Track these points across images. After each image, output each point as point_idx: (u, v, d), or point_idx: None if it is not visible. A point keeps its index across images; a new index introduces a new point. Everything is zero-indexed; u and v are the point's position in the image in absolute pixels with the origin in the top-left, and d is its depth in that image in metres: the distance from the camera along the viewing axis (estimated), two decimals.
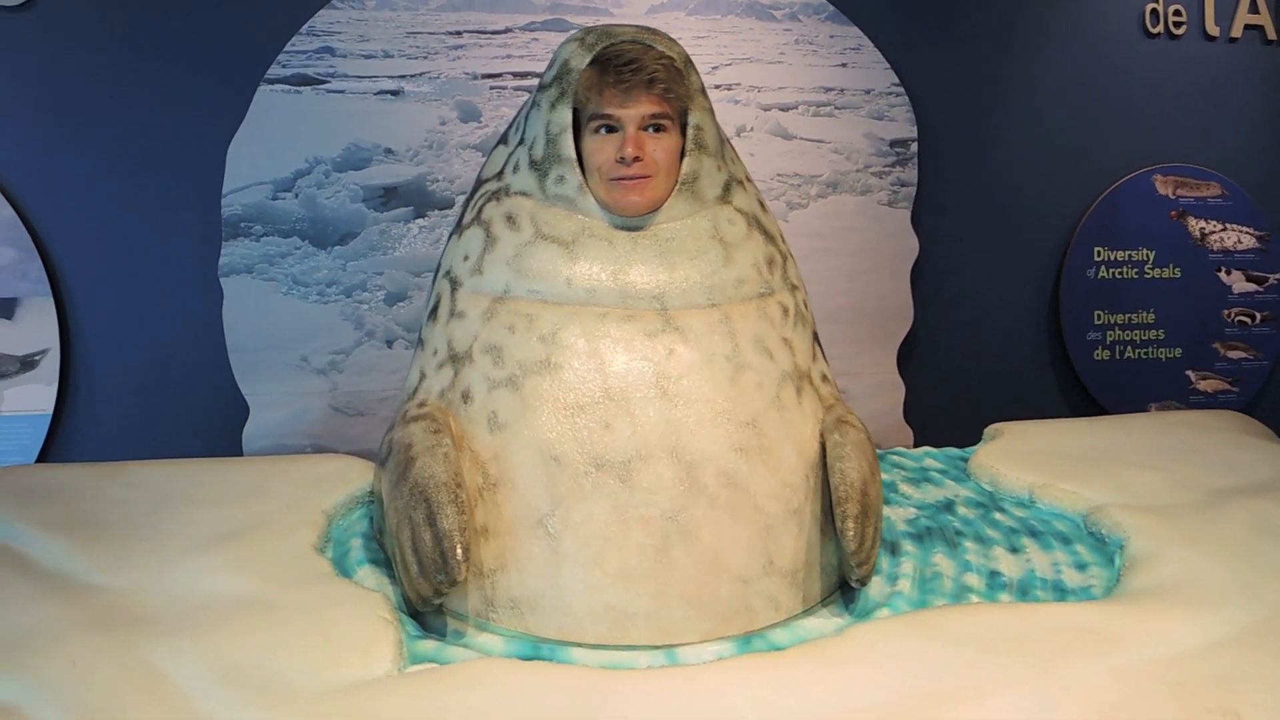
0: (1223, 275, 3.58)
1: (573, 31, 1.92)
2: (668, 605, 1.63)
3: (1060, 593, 1.83)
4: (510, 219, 1.84)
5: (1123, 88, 3.47)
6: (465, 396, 1.78)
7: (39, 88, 2.83)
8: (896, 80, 3.25)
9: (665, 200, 1.80)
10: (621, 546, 1.63)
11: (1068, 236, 3.48)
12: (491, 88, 3.03)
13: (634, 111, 1.74)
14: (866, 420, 1.96)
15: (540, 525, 1.66)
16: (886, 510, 2.10)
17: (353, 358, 2.97)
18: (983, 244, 3.42)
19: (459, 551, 1.58)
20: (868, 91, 3.24)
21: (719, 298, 1.79)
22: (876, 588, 1.82)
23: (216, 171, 2.87)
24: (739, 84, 3.17)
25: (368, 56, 2.97)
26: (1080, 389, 3.56)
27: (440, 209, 3.00)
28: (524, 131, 1.90)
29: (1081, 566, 1.92)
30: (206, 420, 2.96)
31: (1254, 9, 3.52)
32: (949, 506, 2.19)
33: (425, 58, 3.00)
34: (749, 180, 1.98)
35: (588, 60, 1.79)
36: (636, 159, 1.73)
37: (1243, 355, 3.61)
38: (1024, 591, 1.83)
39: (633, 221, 1.79)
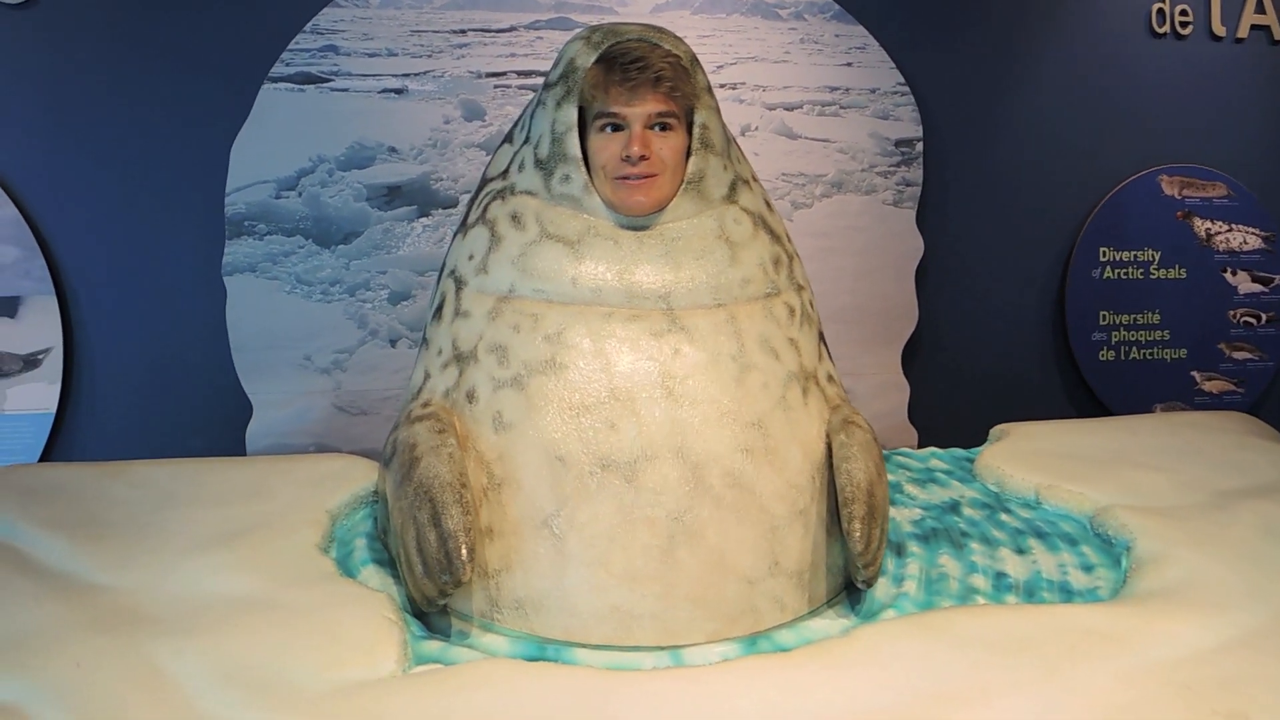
0: (1228, 276, 3.57)
1: (578, 30, 1.91)
2: (673, 606, 1.62)
3: (1067, 594, 1.82)
4: (515, 218, 1.83)
5: (1128, 87, 3.46)
6: (470, 396, 1.77)
7: (42, 86, 2.82)
8: (902, 80, 3.25)
9: (671, 199, 1.79)
10: (627, 547, 1.63)
11: (1073, 237, 3.48)
12: (496, 86, 3.02)
13: (640, 110, 1.73)
14: (871, 421, 1.95)
15: (545, 526, 1.65)
16: (892, 511, 2.08)
17: (356, 357, 2.96)
18: (988, 244, 3.41)
19: (464, 552, 1.57)
20: (873, 91, 3.23)
21: (725, 297, 1.78)
22: (882, 589, 1.81)
23: (220, 170, 2.87)
24: (744, 83, 3.16)
25: (372, 55, 2.96)
26: (1085, 389, 3.55)
27: (444, 208, 2.99)
28: (529, 130, 1.89)
29: (1088, 568, 1.91)
30: (209, 419, 2.95)
31: (1260, 9, 3.51)
32: (955, 507, 2.18)
33: (429, 56, 2.99)
34: (755, 179, 1.97)
35: (594, 58, 1.78)
36: (643, 158, 1.72)
37: (1248, 356, 3.60)
38: (1030, 593, 1.82)
39: (638, 221, 1.78)
